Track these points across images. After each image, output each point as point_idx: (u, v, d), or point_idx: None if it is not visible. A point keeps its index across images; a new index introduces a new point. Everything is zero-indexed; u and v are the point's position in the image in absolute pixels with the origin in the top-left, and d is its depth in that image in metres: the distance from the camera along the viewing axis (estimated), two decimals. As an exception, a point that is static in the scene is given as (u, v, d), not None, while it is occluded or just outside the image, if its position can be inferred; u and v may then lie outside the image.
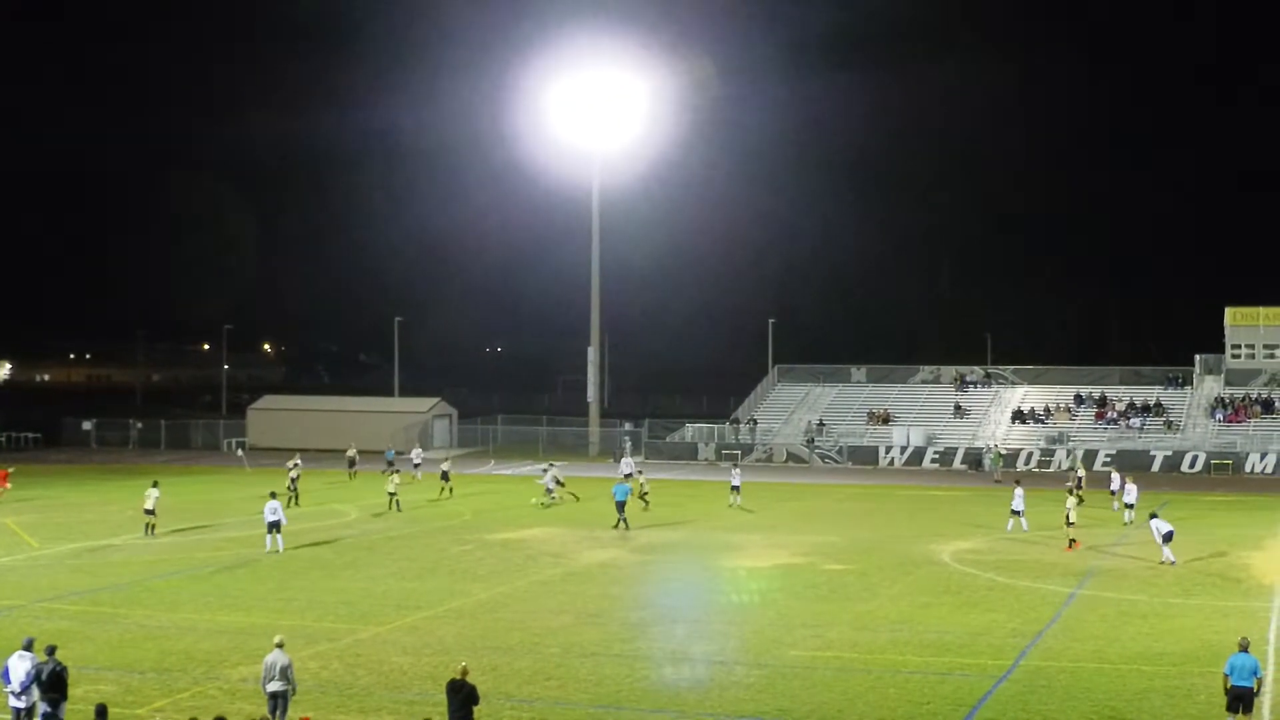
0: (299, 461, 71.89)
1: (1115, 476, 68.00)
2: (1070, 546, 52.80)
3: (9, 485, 67.75)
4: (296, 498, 66.29)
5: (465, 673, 25.06)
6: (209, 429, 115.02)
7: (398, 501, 64.47)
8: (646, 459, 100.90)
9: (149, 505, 55.41)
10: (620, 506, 58.91)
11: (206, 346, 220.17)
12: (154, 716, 24.15)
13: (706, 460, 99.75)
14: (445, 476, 72.23)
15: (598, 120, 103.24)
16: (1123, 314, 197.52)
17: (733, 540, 55.71)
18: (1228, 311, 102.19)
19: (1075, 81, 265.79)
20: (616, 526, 58.35)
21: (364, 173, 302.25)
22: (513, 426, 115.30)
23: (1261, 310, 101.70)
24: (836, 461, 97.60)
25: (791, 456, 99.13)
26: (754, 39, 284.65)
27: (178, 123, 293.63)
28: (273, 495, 53.65)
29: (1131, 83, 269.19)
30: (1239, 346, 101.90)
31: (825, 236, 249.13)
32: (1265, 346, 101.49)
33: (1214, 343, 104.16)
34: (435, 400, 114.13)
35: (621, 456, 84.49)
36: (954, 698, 30.04)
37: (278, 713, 25.82)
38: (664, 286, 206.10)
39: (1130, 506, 60.48)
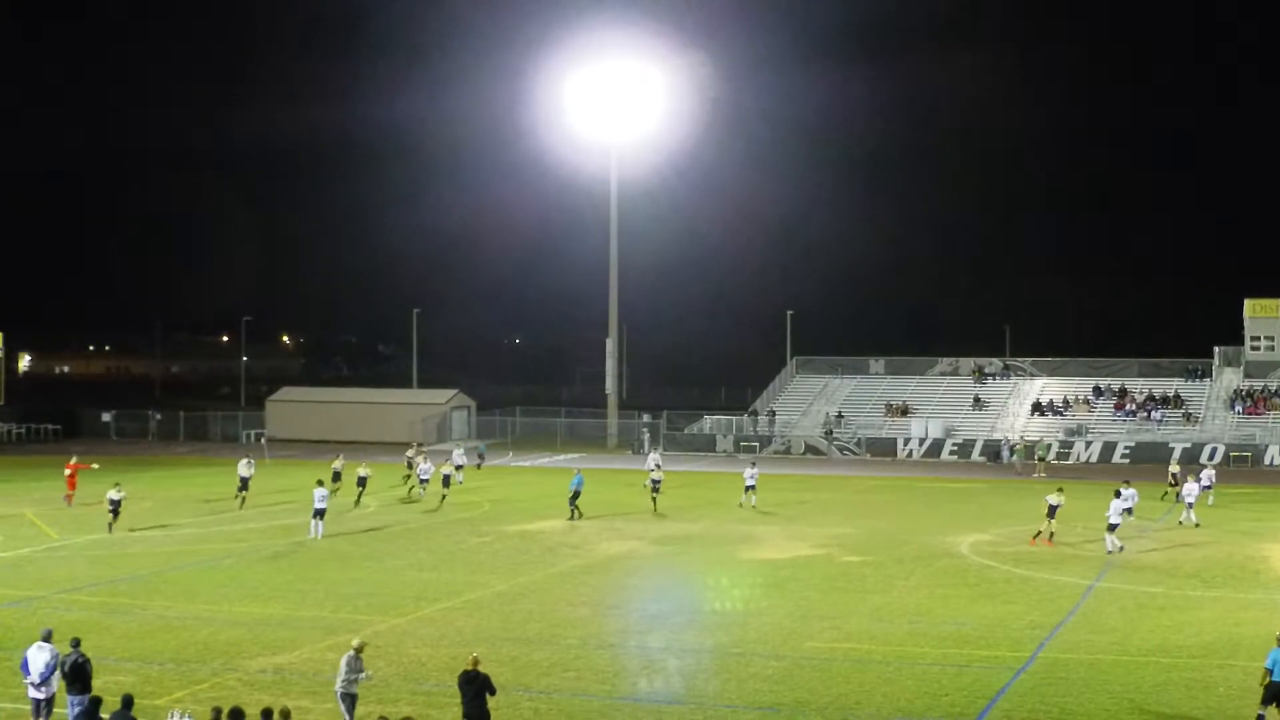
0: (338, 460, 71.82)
1: (1207, 475, 65.64)
2: (1034, 539, 51.99)
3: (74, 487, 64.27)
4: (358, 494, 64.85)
5: (476, 663, 25.08)
6: (228, 421, 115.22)
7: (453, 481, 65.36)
8: (666, 450, 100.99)
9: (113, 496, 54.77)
10: (574, 496, 59.33)
11: (225, 338, 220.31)
12: (173, 707, 24.18)
13: (725, 452, 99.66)
14: (410, 465, 72.18)
15: (615, 113, 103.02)
16: (1142, 306, 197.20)
17: (751, 532, 55.70)
18: (1247, 304, 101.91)
19: (1090, 73, 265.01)
20: (571, 518, 58.71)
21: (383, 165, 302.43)
22: (531, 418, 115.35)
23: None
24: (855, 453, 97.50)
25: (810, 448, 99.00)
26: (771, 31, 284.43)
27: (200, 116, 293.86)
28: (320, 483, 53.78)
29: (1148, 73, 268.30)
30: (1258, 338, 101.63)
31: (843, 228, 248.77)
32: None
33: (1233, 335, 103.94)
34: (453, 392, 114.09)
35: (649, 451, 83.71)
36: (972, 689, 30.01)
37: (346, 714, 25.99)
38: (682, 278, 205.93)
39: (1191, 506, 58.15)
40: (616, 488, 69.91)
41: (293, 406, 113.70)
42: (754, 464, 67.62)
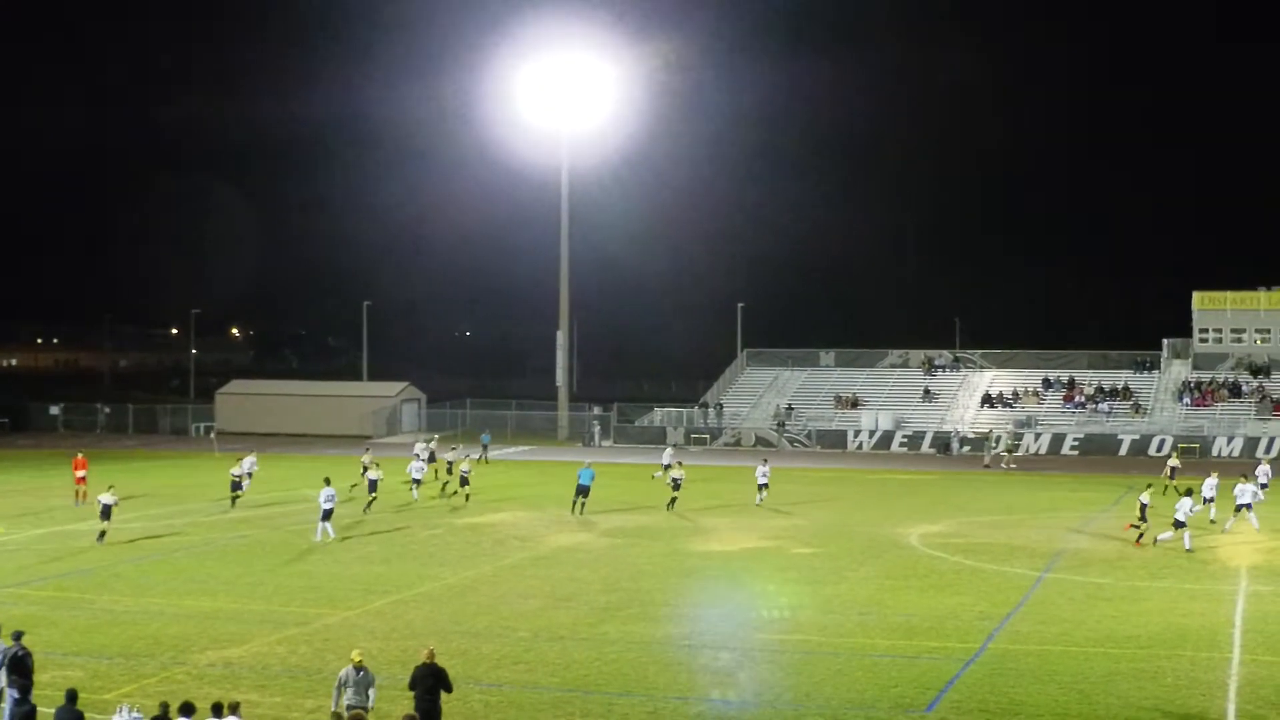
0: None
1: (1264, 471, 61.67)
2: (1138, 541, 49.73)
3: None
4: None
5: (433, 656, 25.00)
6: (177, 414, 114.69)
7: (463, 478, 62.94)
8: (615, 443, 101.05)
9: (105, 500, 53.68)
10: (583, 490, 58.43)
11: (174, 331, 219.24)
12: (121, 702, 24.05)
13: (675, 445, 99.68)
14: (432, 458, 71.89)
15: (567, 104, 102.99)
16: (1091, 298, 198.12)
17: (701, 524, 55.73)
18: (1195, 296, 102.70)
19: (1043, 66, 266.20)
20: (573, 510, 58.24)
21: (333, 157, 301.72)
22: (481, 411, 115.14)
23: (1229, 294, 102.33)
24: (805, 445, 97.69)
25: (760, 440, 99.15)
26: (723, 23, 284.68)
27: (146, 108, 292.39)
28: (327, 481, 52.04)
29: (1100, 66, 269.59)
30: (1206, 331, 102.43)
31: (794, 220, 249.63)
32: (1232, 330, 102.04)
33: (1182, 327, 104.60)
34: (404, 385, 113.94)
35: (666, 447, 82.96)
36: (921, 681, 30.09)
37: None
38: (633, 270, 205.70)
39: (1210, 500, 54.92)
40: (569, 481, 69.77)
41: (242, 399, 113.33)
42: (765, 460, 65.70)
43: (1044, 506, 62.37)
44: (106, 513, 49.51)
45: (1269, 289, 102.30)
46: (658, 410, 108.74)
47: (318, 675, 30.16)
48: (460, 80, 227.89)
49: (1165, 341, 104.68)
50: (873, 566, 45.43)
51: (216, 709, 22.00)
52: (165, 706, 22.15)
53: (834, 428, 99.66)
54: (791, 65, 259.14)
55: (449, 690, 24.88)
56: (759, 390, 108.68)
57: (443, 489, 65.69)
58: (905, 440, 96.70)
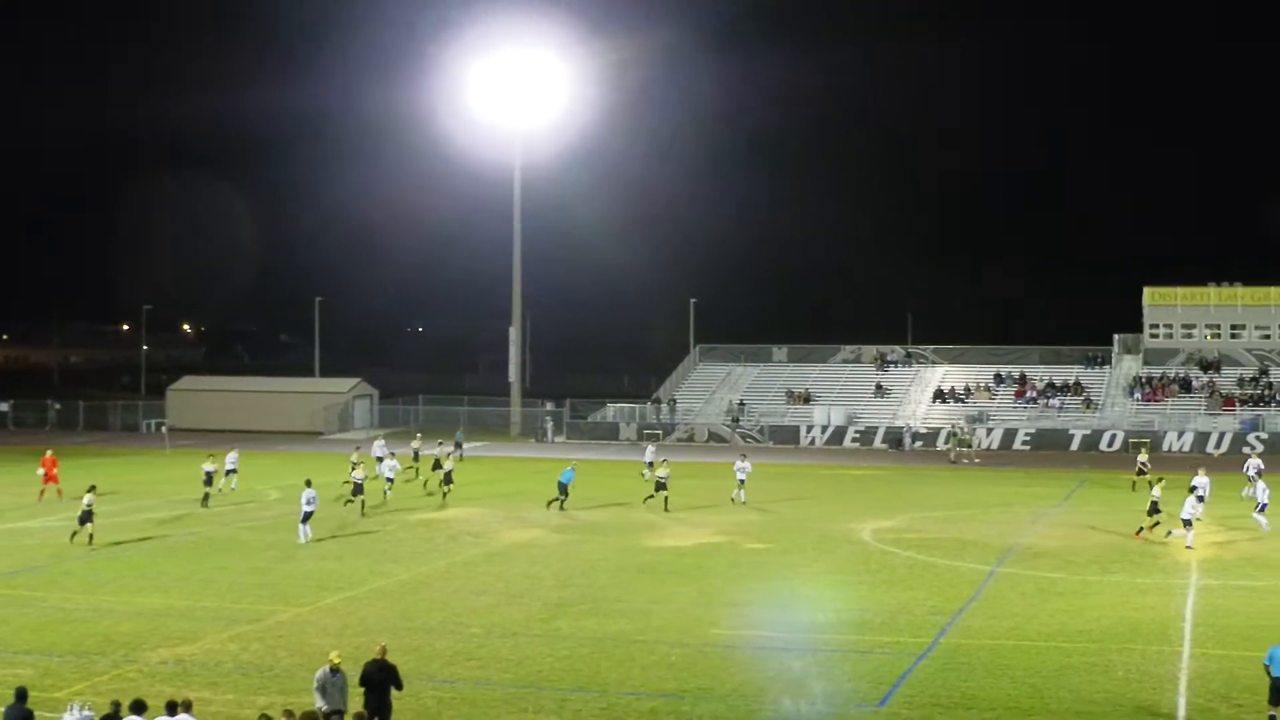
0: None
1: (1254, 465, 62.35)
2: (1138, 534, 49.65)
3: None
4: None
5: (384, 652, 24.95)
6: (128, 410, 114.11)
7: (448, 475, 62.23)
8: (568, 438, 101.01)
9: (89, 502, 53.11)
10: (562, 489, 58.55)
11: (125, 327, 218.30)
12: (72, 700, 23.92)
13: (628, 440, 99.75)
14: (416, 456, 72.23)
15: (519, 100, 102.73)
16: (1043, 294, 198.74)
17: (654, 520, 55.74)
18: (1146, 291, 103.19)
19: (989, 64, 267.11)
20: (549, 506, 58.25)
21: (285, 153, 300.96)
22: (434, 407, 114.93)
23: (1179, 290, 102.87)
24: (758, 441, 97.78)
25: (713, 436, 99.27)
26: (677, 20, 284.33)
27: (95, 102, 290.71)
28: (308, 483, 50.78)
29: (1049, 60, 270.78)
30: (1157, 326, 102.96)
31: (747, 216, 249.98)
32: (1183, 326, 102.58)
33: (1133, 323, 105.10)
34: (356, 381, 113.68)
35: (647, 444, 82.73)
36: (874, 675, 30.16)
37: None
38: (586, 266, 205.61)
39: (1202, 499, 52.34)
40: (523, 477, 69.84)
41: (194, 396, 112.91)
42: (744, 456, 64.40)
43: (996, 501, 62.60)
44: (88, 516, 47.94)
45: (1219, 285, 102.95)
46: (610, 406, 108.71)
47: (269, 672, 30.08)
48: (414, 76, 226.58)
49: (1116, 337, 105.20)
50: (825, 562, 45.53)
51: (170, 707, 21.92)
52: (117, 705, 22.07)
53: (786, 423, 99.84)
54: (745, 62, 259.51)
55: (399, 688, 24.85)
56: (712, 386, 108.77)
57: (424, 485, 65.34)
58: (858, 435, 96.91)
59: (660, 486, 59.15)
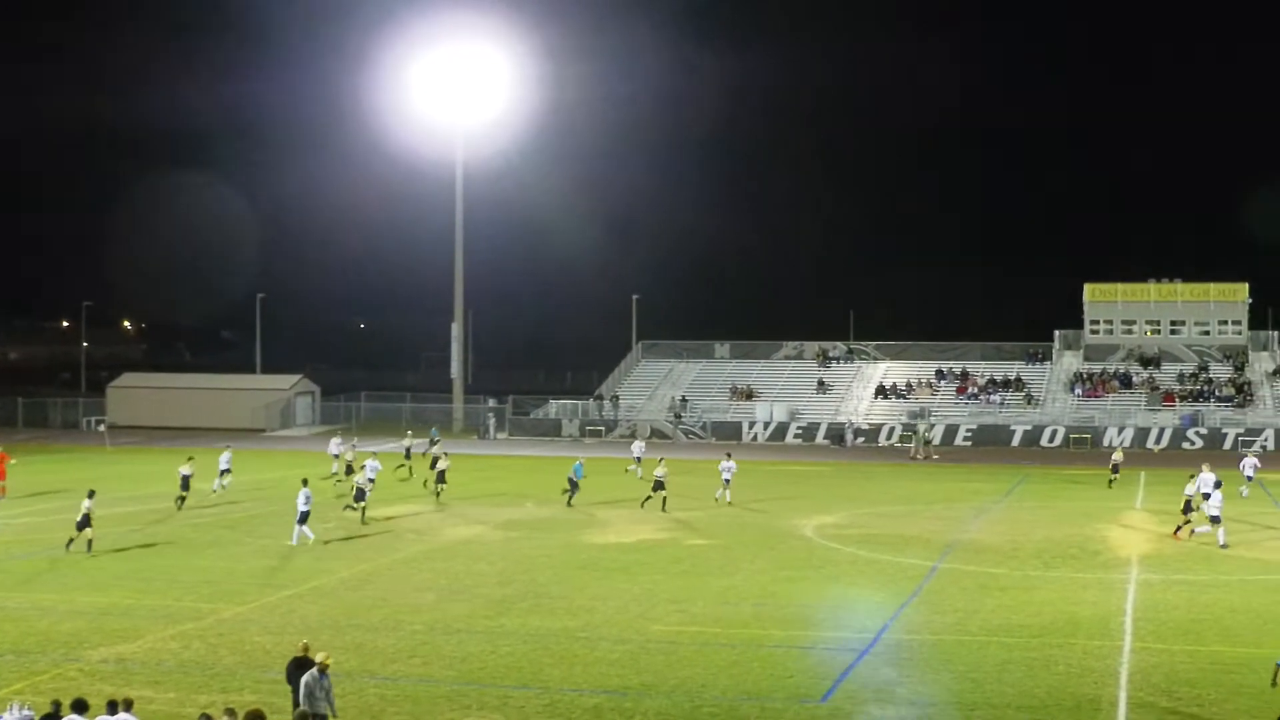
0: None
1: (1250, 464, 62.91)
2: (1175, 533, 49.30)
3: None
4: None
5: (307, 649, 24.78)
6: (68, 407, 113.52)
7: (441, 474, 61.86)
8: (511, 435, 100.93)
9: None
10: (573, 483, 58.81)
11: (65, 324, 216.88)
12: (12, 700, 23.73)
13: (570, 437, 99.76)
14: (408, 454, 72.46)
15: (461, 96, 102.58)
16: (984, 290, 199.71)
17: (596, 516, 55.74)
18: (1086, 288, 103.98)
19: (930, 64, 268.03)
20: (570, 503, 58.52)
21: (225, 149, 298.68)
22: (375, 403, 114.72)
23: (1119, 287, 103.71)
24: (700, 437, 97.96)
25: (655, 432, 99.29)
26: (620, 16, 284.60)
27: (39, 96, 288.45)
28: (304, 483, 50.00)
29: (993, 62, 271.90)
30: (1097, 322, 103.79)
31: (689, 213, 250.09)
32: (1123, 322, 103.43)
33: (1073, 319, 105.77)
34: (297, 377, 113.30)
35: (634, 439, 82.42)
36: (817, 671, 30.21)
37: None
38: (529, 262, 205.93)
39: (1207, 496, 51.18)
40: (469, 472, 69.65)
41: (134, 393, 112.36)
42: (729, 455, 63.08)
43: (938, 497, 62.84)
44: (85, 521, 46.09)
45: (1159, 282, 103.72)
46: (553, 402, 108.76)
47: (211, 671, 29.94)
48: (356, 72, 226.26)
49: (1057, 333, 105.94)
50: (768, 558, 45.57)
51: (111, 706, 21.80)
52: (57, 704, 21.93)
53: (729, 419, 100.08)
54: (688, 60, 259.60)
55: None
56: (654, 382, 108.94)
57: (424, 484, 64.91)
58: (800, 432, 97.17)
59: (659, 486, 58.40)
